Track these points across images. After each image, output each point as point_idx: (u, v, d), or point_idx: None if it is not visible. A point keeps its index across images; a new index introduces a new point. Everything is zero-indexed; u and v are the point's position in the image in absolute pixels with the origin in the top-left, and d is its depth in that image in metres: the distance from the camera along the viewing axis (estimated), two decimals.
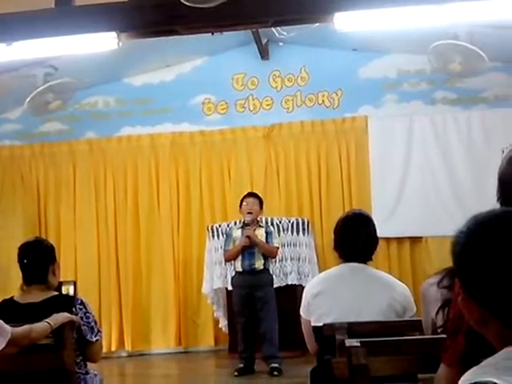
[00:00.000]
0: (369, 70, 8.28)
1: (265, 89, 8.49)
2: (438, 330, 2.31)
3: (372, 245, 3.44)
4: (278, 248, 6.75)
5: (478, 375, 1.16)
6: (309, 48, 8.27)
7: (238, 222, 6.93)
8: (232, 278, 6.84)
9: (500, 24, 5.96)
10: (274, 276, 6.87)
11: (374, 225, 3.46)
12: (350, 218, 3.51)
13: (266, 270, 6.63)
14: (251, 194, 6.88)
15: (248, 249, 6.53)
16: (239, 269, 6.60)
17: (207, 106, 8.59)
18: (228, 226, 7.39)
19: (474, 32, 6.53)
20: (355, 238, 3.38)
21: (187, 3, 4.19)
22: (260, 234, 6.63)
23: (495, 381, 1.11)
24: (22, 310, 3.33)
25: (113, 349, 8.19)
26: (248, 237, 6.49)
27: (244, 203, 6.71)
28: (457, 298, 1.74)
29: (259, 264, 6.56)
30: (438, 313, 2.26)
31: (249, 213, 6.62)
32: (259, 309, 6.52)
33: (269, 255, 6.63)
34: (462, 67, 6.87)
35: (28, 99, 7.03)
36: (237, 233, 6.70)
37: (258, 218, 6.80)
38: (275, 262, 7.25)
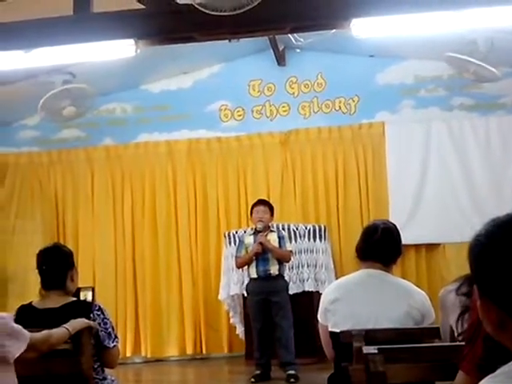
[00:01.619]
0: (386, 76, 8.27)
1: (281, 95, 8.50)
2: (459, 338, 2.30)
3: (393, 245, 3.42)
4: (291, 252, 6.73)
5: (493, 383, 1.16)
6: (326, 54, 8.28)
7: (249, 229, 6.93)
8: (247, 284, 6.82)
9: None
10: (288, 281, 6.86)
11: (397, 230, 3.46)
12: (372, 222, 3.60)
13: (280, 275, 6.61)
14: (261, 202, 6.83)
15: (262, 255, 6.52)
16: (254, 275, 6.59)
17: (224, 113, 8.61)
18: (245, 231, 7.40)
19: (492, 38, 6.51)
20: (372, 232, 3.40)
21: (205, 11, 4.21)
22: (272, 239, 6.62)
23: None
24: (40, 315, 3.35)
25: (129, 354, 8.21)
26: (260, 243, 6.49)
27: (254, 212, 6.69)
28: (475, 304, 1.74)
29: (274, 270, 6.54)
30: (457, 320, 2.25)
31: (260, 221, 6.61)
32: (274, 314, 6.50)
33: (283, 260, 6.61)
34: (475, 76, 6.87)
35: (42, 101, 7.08)
36: (249, 239, 6.69)
37: (270, 224, 6.80)
38: (292, 268, 7.25)
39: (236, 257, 6.79)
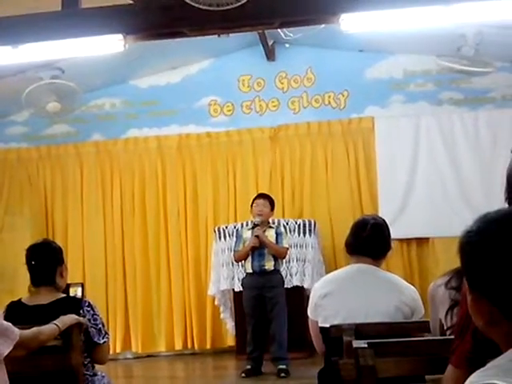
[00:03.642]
0: (375, 71, 8.28)
1: (271, 90, 8.49)
2: (448, 332, 2.30)
3: (382, 240, 3.43)
4: (287, 249, 6.73)
5: (484, 377, 1.16)
6: (315, 49, 8.27)
7: (248, 223, 6.93)
8: (242, 279, 6.82)
9: (508, 24, 5.95)
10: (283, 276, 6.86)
11: (386, 225, 3.47)
12: (362, 217, 3.60)
13: (276, 270, 6.61)
14: (262, 196, 6.86)
15: (258, 250, 6.52)
16: (249, 270, 6.59)
17: (213, 108, 8.59)
18: (235, 227, 7.39)
19: (481, 32, 6.53)
20: (362, 227, 3.42)
21: (196, 5, 4.20)
22: (270, 234, 6.63)
23: (500, 383, 1.11)
24: (29, 311, 3.34)
25: (120, 350, 8.20)
26: (257, 236, 6.49)
27: (254, 204, 6.71)
28: (465, 298, 1.74)
29: (269, 265, 6.55)
30: (447, 314, 2.25)
31: (259, 214, 6.62)
32: (269, 309, 6.51)
33: (278, 256, 6.61)
34: (465, 70, 6.92)
35: (26, 92, 7.06)
36: (247, 234, 6.69)
37: (270, 220, 6.82)
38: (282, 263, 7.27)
39: (234, 251, 6.80)
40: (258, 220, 6.59)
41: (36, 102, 7.26)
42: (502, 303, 1.23)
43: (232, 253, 6.96)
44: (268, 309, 6.52)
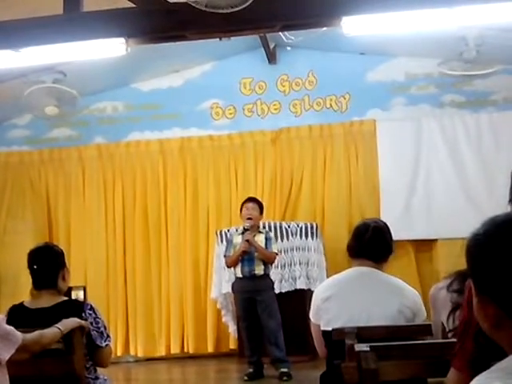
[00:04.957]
0: (376, 74, 8.28)
1: (273, 93, 8.50)
2: (449, 335, 2.30)
3: (384, 244, 3.43)
4: (276, 254, 6.73)
5: (488, 379, 1.15)
6: (316, 52, 8.28)
7: (238, 229, 6.94)
8: (232, 283, 6.84)
9: (509, 27, 5.95)
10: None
11: (388, 229, 3.47)
12: (363, 221, 3.59)
13: (265, 275, 6.62)
14: (251, 199, 6.87)
15: (247, 255, 6.53)
16: (239, 274, 6.61)
17: (215, 111, 8.60)
18: (236, 230, 7.40)
19: (482, 35, 6.53)
20: (363, 231, 3.41)
21: (200, 7, 4.20)
22: (260, 239, 6.63)
23: None
24: (31, 315, 3.34)
25: (121, 353, 8.19)
26: (247, 241, 6.50)
27: (244, 208, 6.72)
28: (467, 301, 1.73)
29: (259, 270, 6.56)
30: (449, 317, 2.25)
31: (248, 218, 6.63)
32: (261, 313, 6.51)
33: (267, 261, 6.61)
34: (466, 72, 6.95)
35: (26, 92, 7.08)
36: (237, 239, 6.70)
37: (261, 223, 6.83)
38: (284, 266, 7.26)
39: (225, 256, 6.80)
40: (247, 224, 6.61)
41: (35, 104, 7.27)
42: (508, 306, 1.23)
43: (223, 258, 6.97)
44: (259, 312, 6.52)
